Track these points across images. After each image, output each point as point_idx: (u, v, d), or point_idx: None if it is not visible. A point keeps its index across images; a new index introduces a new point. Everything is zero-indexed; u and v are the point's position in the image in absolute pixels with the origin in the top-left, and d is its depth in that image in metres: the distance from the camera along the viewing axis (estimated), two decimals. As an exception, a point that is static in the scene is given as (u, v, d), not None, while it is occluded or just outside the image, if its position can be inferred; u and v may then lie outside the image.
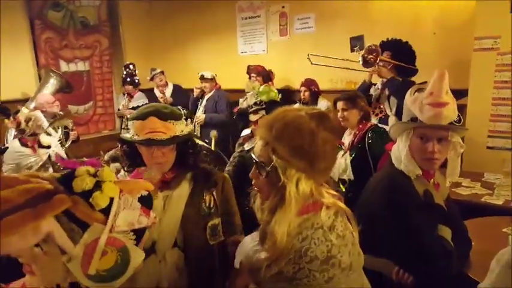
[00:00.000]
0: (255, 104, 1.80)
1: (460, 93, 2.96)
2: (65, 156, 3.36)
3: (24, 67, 5.08)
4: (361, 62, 3.16)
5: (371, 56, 3.11)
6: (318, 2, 4.33)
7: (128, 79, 5.00)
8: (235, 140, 4.30)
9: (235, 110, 1.99)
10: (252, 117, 1.79)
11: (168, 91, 5.13)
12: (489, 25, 2.86)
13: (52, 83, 4.32)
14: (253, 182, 1.06)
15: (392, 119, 2.97)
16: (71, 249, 0.61)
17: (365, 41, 3.55)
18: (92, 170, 0.66)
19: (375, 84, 3.32)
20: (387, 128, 2.43)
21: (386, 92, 3.12)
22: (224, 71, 5.27)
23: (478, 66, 2.93)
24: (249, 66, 4.51)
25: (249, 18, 5.01)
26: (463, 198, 2.31)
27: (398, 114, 2.90)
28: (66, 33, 5.45)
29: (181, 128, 1.40)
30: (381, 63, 3.10)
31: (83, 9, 5.58)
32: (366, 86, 3.32)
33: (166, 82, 5.14)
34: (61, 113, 3.80)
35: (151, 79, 5.10)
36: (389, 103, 3.08)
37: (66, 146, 3.58)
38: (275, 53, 4.80)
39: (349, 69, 3.43)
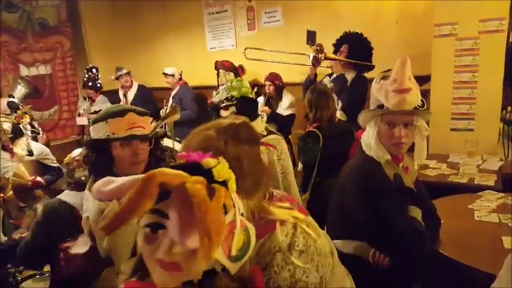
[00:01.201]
0: (226, 99, 1.79)
1: (423, 79, 3.09)
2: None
3: (-18, 73, 4.85)
4: (310, 60, 3.32)
5: (320, 55, 3.28)
6: (283, -6, 4.36)
7: (90, 83, 4.88)
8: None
9: (209, 103, 1.96)
10: (223, 113, 1.78)
11: (132, 92, 5.03)
12: (447, 12, 2.98)
13: (19, 90, 4.19)
14: None
15: (338, 114, 3.02)
16: None
17: (324, 33, 3.61)
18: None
19: (330, 75, 3.42)
20: None
21: (337, 87, 3.21)
22: (194, 68, 5.23)
23: (439, 52, 3.05)
24: (216, 62, 4.49)
25: (216, 13, 4.97)
26: (430, 179, 2.42)
27: (349, 109, 2.99)
28: (24, 35, 5.22)
29: (153, 125, 1.39)
30: (328, 61, 3.28)
31: (40, 10, 5.35)
32: (310, 82, 3.36)
33: (132, 82, 5.04)
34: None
35: (117, 78, 4.97)
36: (338, 98, 3.14)
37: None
38: (244, 48, 4.80)
39: (296, 64, 3.60)
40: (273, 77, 4.02)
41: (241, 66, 4.55)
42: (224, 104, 1.81)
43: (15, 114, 3.50)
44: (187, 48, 5.41)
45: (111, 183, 0.62)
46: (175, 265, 0.59)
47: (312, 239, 0.85)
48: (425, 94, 3.07)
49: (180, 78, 4.85)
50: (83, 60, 5.67)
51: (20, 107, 3.65)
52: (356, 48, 3.23)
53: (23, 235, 2.15)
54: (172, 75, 4.72)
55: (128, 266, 0.75)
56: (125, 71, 4.94)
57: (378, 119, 1.47)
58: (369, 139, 1.49)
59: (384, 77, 1.49)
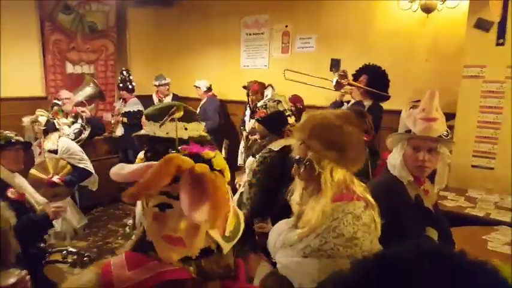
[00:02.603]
0: (290, 110, 2.19)
1: (448, 116, 3.23)
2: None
3: (32, 67, 5.23)
4: (333, 84, 3.53)
5: (342, 80, 3.49)
6: (320, 24, 4.60)
7: (121, 84, 5.22)
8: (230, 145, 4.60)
9: (268, 112, 2.21)
10: (290, 120, 2.09)
11: (167, 100, 5.33)
12: (476, 55, 3.13)
13: (87, 90, 4.69)
14: (295, 177, 1.28)
15: None
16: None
17: (355, 63, 3.82)
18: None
19: (348, 102, 3.63)
20: None
21: None
22: (225, 83, 5.50)
23: (466, 91, 3.19)
24: (244, 87, 4.74)
25: (253, 34, 5.27)
26: (447, 209, 2.52)
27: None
28: (75, 36, 5.63)
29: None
30: (350, 87, 3.49)
31: (92, 14, 5.77)
32: (337, 105, 3.69)
33: (168, 91, 5.37)
34: (85, 113, 4.09)
35: (157, 86, 5.30)
36: None
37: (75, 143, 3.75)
38: (276, 69, 5.03)
39: (325, 88, 3.82)
40: (295, 99, 4.19)
41: (270, 86, 4.78)
42: (288, 113, 2.10)
43: (52, 111, 3.80)
44: (222, 64, 5.70)
45: (125, 168, 0.77)
46: (180, 240, 0.72)
47: (374, 222, 1.16)
48: (450, 129, 3.22)
49: (208, 90, 5.15)
50: (123, 65, 6.03)
51: (85, 103, 4.05)
52: (374, 79, 3.44)
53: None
54: (199, 87, 5.06)
55: (128, 245, 0.83)
56: (167, 80, 5.29)
57: (405, 143, 1.62)
58: (394, 160, 1.64)
59: (413, 106, 1.66)
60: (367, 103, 3.39)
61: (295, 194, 1.32)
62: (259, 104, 2.33)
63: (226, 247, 0.77)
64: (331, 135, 1.18)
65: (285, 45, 5.01)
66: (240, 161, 4.59)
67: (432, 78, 3.80)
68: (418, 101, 1.68)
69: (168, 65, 6.11)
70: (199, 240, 0.74)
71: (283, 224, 1.33)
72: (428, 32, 3.86)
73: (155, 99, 5.41)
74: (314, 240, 1.12)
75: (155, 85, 5.40)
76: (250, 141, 4.55)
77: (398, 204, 1.57)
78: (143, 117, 1.55)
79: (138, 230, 0.82)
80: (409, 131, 1.61)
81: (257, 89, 4.64)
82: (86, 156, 3.63)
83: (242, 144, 4.69)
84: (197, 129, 1.49)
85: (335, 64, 3.81)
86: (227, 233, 0.77)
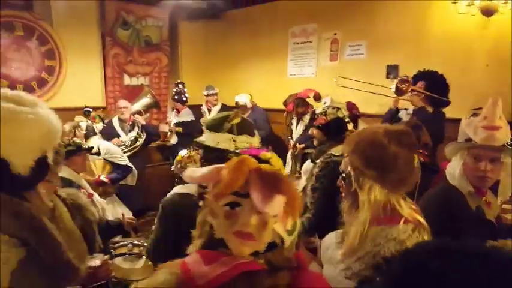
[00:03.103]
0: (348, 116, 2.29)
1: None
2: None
3: (94, 79, 5.64)
4: (393, 90, 3.40)
5: (403, 86, 3.34)
6: (370, 30, 4.53)
7: (176, 96, 5.47)
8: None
9: (329, 119, 2.29)
10: (349, 126, 2.17)
11: (216, 109, 5.50)
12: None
13: (144, 100, 5.08)
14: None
15: None
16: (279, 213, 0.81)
17: (408, 70, 3.70)
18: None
19: (406, 109, 3.49)
20: None
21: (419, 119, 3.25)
22: (271, 91, 5.57)
23: (530, 98, 2.99)
24: (285, 102, 4.77)
25: (301, 43, 5.30)
26: (508, 222, 2.37)
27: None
28: (132, 50, 5.99)
29: None
30: (414, 92, 3.31)
31: (147, 29, 6.11)
32: (393, 112, 3.58)
33: (217, 101, 5.55)
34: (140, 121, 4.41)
35: (206, 95, 5.51)
36: None
37: (131, 150, 4.01)
38: (324, 77, 5.02)
39: (380, 94, 3.71)
40: (350, 106, 4.15)
41: (318, 94, 4.77)
42: (347, 120, 2.19)
43: (90, 116, 4.11)
44: (268, 73, 5.78)
45: (196, 171, 0.86)
46: (250, 235, 0.77)
47: None
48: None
49: (249, 103, 5.26)
50: (175, 76, 6.32)
51: (143, 112, 4.40)
52: (433, 85, 3.29)
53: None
54: (241, 103, 5.17)
55: (197, 244, 0.88)
56: (216, 90, 5.48)
57: (465, 152, 1.56)
58: (453, 170, 1.58)
59: (474, 114, 1.60)
60: (429, 110, 3.27)
61: (345, 205, 1.32)
62: (318, 111, 2.38)
63: (288, 241, 0.82)
64: (373, 152, 1.14)
65: (334, 53, 4.99)
66: (287, 169, 4.61)
67: (493, 84, 3.59)
68: (480, 108, 1.62)
69: (217, 76, 6.31)
70: (267, 235, 0.79)
71: (332, 237, 1.33)
72: (488, 36, 3.66)
73: (204, 108, 5.62)
74: (355, 264, 1.10)
75: (205, 95, 5.60)
76: (297, 150, 4.56)
77: (458, 214, 1.51)
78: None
79: (202, 230, 0.87)
80: (469, 140, 1.55)
81: (292, 107, 4.68)
82: (124, 155, 3.87)
83: (290, 152, 4.70)
84: (247, 141, 1.52)
85: (392, 71, 3.71)
86: (288, 227, 0.82)
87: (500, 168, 1.53)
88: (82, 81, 5.42)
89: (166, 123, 5.74)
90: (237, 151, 1.42)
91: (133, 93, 5.74)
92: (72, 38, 5.24)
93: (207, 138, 1.54)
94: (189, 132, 5.40)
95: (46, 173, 1.14)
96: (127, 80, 6.00)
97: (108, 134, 4.26)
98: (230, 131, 1.49)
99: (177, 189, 2.01)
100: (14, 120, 0.99)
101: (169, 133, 5.73)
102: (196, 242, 0.87)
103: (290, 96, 4.80)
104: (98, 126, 4.17)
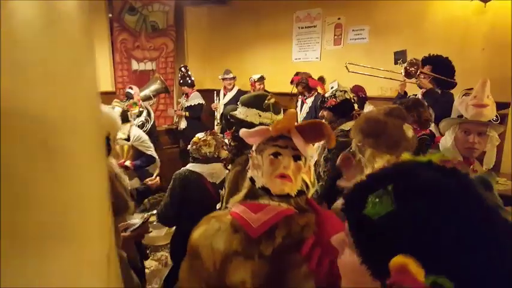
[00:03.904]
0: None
1: (503, 105, 3.24)
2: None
3: (103, 64, 5.78)
4: (403, 74, 3.55)
5: (412, 69, 3.49)
6: (372, 15, 4.68)
7: (181, 80, 5.62)
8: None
9: (339, 101, 2.52)
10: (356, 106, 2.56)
11: (231, 94, 5.65)
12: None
13: (154, 86, 5.22)
14: None
15: (433, 126, 3.23)
16: (307, 165, 1.07)
17: (409, 54, 3.87)
18: None
19: (415, 95, 3.65)
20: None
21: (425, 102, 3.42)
22: (276, 76, 5.73)
23: (521, 79, 3.18)
24: (292, 81, 4.94)
25: (306, 27, 5.44)
26: (498, 192, 2.60)
27: (436, 122, 3.17)
28: (139, 35, 6.13)
29: None
30: (421, 76, 3.46)
31: (154, 14, 6.23)
32: (401, 97, 3.71)
33: (234, 86, 5.67)
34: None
35: (222, 80, 5.65)
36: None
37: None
38: (328, 61, 5.19)
39: (389, 78, 3.89)
40: (357, 89, 4.33)
41: (322, 78, 4.96)
42: (353, 101, 2.47)
43: (127, 103, 4.23)
44: (273, 58, 5.93)
45: (250, 130, 1.10)
46: (289, 177, 1.00)
47: None
48: (503, 118, 3.23)
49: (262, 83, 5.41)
50: (181, 61, 6.47)
51: (152, 97, 4.49)
52: (439, 68, 3.46)
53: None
54: (257, 80, 5.33)
55: (238, 197, 1.08)
56: (231, 75, 5.61)
57: (457, 127, 1.77)
58: (446, 142, 1.80)
59: (466, 94, 1.80)
60: (437, 91, 3.42)
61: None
62: (327, 95, 2.60)
63: (311, 190, 1.06)
64: (368, 124, 1.43)
65: (338, 37, 5.14)
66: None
67: (489, 67, 3.77)
68: (471, 88, 1.82)
69: (222, 60, 6.45)
70: (299, 179, 1.02)
71: (339, 203, 1.57)
72: (485, 21, 3.82)
73: (221, 93, 5.77)
74: None
75: (220, 79, 5.74)
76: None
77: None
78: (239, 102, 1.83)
79: (235, 186, 1.11)
80: (461, 116, 1.76)
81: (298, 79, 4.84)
82: (152, 144, 4.04)
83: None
84: (270, 118, 1.75)
85: (401, 55, 3.85)
86: (312, 179, 1.06)
87: (486, 140, 1.75)
88: (92, 66, 5.58)
89: (175, 110, 5.92)
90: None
91: (141, 78, 5.91)
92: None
93: (239, 111, 1.77)
94: (197, 116, 5.61)
95: (110, 150, 1.45)
96: (135, 65, 6.17)
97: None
98: (264, 109, 1.72)
99: (189, 166, 2.31)
100: None
101: (176, 118, 5.92)
102: (236, 197, 1.08)
103: (298, 73, 4.92)
104: (135, 111, 4.30)
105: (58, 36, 0.49)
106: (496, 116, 1.74)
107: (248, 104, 1.75)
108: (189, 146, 2.75)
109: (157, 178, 2.59)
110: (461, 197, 0.55)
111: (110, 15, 5.82)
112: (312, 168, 1.08)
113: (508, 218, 0.59)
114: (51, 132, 0.45)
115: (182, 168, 2.36)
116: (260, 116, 1.72)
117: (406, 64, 3.54)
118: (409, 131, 1.43)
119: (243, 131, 1.08)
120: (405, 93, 3.78)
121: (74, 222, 0.49)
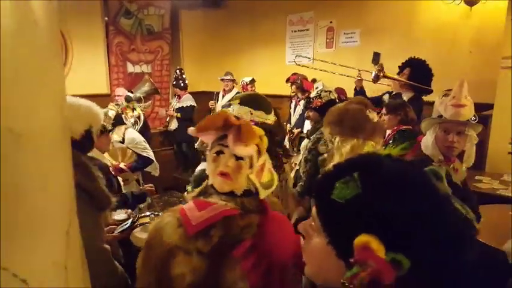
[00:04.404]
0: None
1: (488, 106, 3.36)
2: None
3: (98, 67, 5.86)
4: (372, 76, 3.72)
5: (380, 74, 3.66)
6: (363, 18, 4.79)
7: (175, 82, 5.70)
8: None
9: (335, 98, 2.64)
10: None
11: (230, 95, 5.68)
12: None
13: (144, 88, 5.25)
14: None
15: None
16: (254, 166, 1.08)
17: (399, 56, 3.98)
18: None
19: (390, 93, 3.80)
20: None
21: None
22: (270, 78, 5.82)
23: (504, 82, 3.30)
24: (288, 80, 5.02)
25: (299, 31, 5.55)
26: (482, 190, 2.71)
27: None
28: (134, 38, 6.19)
29: None
30: (392, 81, 3.67)
31: (149, 18, 6.29)
32: (358, 93, 3.90)
33: (232, 88, 5.73)
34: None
35: (222, 80, 5.72)
36: None
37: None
38: (320, 63, 5.28)
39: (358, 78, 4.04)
40: (339, 91, 4.43)
41: (314, 80, 5.05)
42: (337, 101, 2.56)
43: (122, 105, 4.28)
44: (267, 60, 6.03)
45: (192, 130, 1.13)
46: (228, 175, 1.04)
47: None
48: (487, 118, 3.34)
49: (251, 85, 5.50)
50: (177, 64, 6.54)
51: (142, 99, 4.51)
52: (417, 72, 3.60)
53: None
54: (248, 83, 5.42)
55: (194, 193, 1.12)
56: (229, 77, 5.69)
57: (437, 126, 1.86)
58: (427, 141, 1.89)
59: (446, 94, 1.89)
60: (407, 95, 3.56)
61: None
62: (312, 95, 2.67)
63: (262, 192, 1.07)
64: (333, 114, 1.62)
65: (329, 40, 5.25)
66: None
67: (475, 70, 3.89)
68: (450, 89, 1.91)
69: (217, 63, 6.54)
70: (241, 178, 1.05)
71: None
72: (471, 25, 3.94)
73: (220, 94, 5.85)
74: None
75: (220, 79, 5.79)
76: (293, 135, 4.83)
77: (430, 179, 1.82)
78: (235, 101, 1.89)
79: (197, 182, 1.18)
80: (440, 116, 1.86)
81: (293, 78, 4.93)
82: (148, 146, 4.09)
83: (287, 137, 4.95)
84: (262, 117, 1.82)
85: (376, 57, 4.02)
86: (263, 180, 1.09)
87: (465, 139, 1.84)
88: (87, 69, 5.63)
89: (167, 110, 5.99)
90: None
91: (136, 81, 5.95)
92: (77, 27, 5.42)
93: (232, 109, 1.85)
94: (188, 118, 5.68)
95: (93, 143, 1.56)
96: (130, 68, 6.23)
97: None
98: (250, 106, 1.79)
99: (203, 165, 2.35)
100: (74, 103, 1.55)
101: (167, 118, 5.98)
102: (192, 193, 1.15)
103: (296, 73, 5.00)
104: (129, 114, 4.33)
105: (28, 43, 0.54)
106: (474, 116, 1.83)
107: (241, 102, 1.83)
108: (196, 145, 2.78)
109: (153, 187, 2.65)
110: (417, 184, 0.64)
111: (106, 18, 5.88)
112: (267, 169, 1.11)
113: (456, 206, 0.68)
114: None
115: (197, 170, 2.37)
116: (252, 113, 1.80)
117: (375, 69, 3.70)
118: (372, 114, 1.55)
119: (190, 129, 1.10)
120: (361, 88, 3.95)
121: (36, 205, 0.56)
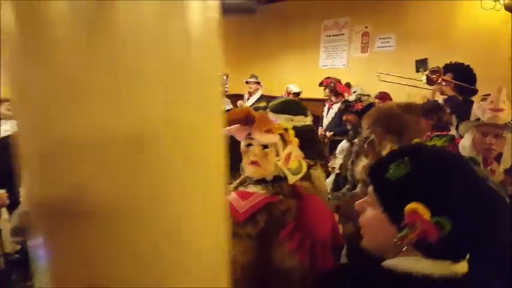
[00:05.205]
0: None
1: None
2: None
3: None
4: (424, 81, 3.67)
5: (434, 76, 3.59)
6: (400, 24, 4.83)
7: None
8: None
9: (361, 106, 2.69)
10: None
11: (254, 97, 5.85)
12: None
13: None
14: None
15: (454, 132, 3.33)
16: (280, 155, 1.21)
17: (436, 62, 3.97)
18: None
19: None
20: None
21: (447, 109, 3.52)
22: (303, 82, 5.92)
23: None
24: (321, 84, 5.09)
25: (333, 36, 5.64)
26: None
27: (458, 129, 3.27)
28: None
29: None
30: (443, 83, 3.56)
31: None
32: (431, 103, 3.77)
33: (257, 90, 5.88)
34: None
35: (247, 82, 5.90)
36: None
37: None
38: (355, 68, 5.36)
39: (414, 86, 4.00)
40: (383, 96, 4.46)
41: (348, 84, 5.11)
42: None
43: None
44: (301, 64, 6.14)
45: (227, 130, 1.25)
46: (257, 163, 1.17)
47: None
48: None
49: (295, 95, 5.58)
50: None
51: None
52: (460, 76, 3.56)
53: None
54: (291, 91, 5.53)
55: (231, 187, 1.25)
56: (253, 79, 5.84)
57: (475, 129, 1.93)
58: (465, 144, 1.96)
59: (483, 99, 1.97)
60: (459, 98, 3.49)
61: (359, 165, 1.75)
62: (351, 99, 2.74)
63: (290, 178, 1.19)
64: (390, 121, 1.59)
65: (365, 45, 5.31)
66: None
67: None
68: (488, 94, 1.98)
69: (251, 68, 6.69)
70: (269, 165, 1.18)
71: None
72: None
73: (246, 96, 6.02)
74: None
75: (245, 82, 5.96)
76: (326, 138, 4.88)
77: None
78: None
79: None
80: (478, 119, 1.92)
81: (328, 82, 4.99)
82: None
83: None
84: (303, 120, 1.94)
85: (421, 64, 3.99)
86: (290, 166, 1.21)
87: (503, 142, 1.89)
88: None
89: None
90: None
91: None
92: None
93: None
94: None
95: None
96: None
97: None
98: (289, 113, 1.88)
99: None
100: None
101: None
102: (231, 185, 1.28)
103: (329, 77, 5.06)
104: None
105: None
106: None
107: (274, 111, 1.89)
108: None
109: None
110: (457, 163, 0.79)
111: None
112: (294, 157, 1.23)
113: (491, 186, 0.81)
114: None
115: None
116: (292, 120, 1.92)
117: (427, 72, 3.66)
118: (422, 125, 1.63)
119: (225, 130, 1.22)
120: (434, 100, 3.86)
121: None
